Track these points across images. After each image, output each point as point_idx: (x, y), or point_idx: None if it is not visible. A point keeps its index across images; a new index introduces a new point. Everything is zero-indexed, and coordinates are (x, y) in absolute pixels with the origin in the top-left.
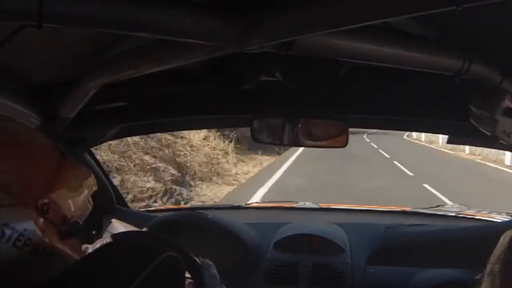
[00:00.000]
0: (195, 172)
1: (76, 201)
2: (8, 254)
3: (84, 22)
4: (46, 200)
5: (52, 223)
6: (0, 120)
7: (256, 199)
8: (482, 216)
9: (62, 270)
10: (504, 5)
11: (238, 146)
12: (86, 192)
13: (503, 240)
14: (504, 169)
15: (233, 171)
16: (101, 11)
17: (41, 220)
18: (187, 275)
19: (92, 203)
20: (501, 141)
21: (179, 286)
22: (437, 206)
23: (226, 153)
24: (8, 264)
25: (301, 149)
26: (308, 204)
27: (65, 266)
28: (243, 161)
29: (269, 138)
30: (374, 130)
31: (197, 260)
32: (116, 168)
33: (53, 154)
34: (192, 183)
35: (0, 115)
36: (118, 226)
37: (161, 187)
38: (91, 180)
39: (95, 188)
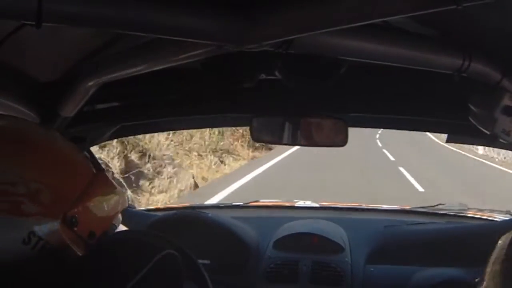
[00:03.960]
0: None
1: (105, 217)
2: (33, 261)
3: (84, 22)
4: (75, 213)
5: (79, 236)
6: (37, 129)
7: None
8: (482, 215)
9: (62, 269)
10: (503, 4)
11: None
12: (115, 210)
13: (504, 240)
14: None
15: None
16: (100, 10)
17: (68, 232)
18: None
19: (120, 219)
20: (500, 140)
21: (178, 284)
22: (437, 204)
23: None
24: (31, 270)
25: None
26: (308, 203)
27: None
28: None
29: (268, 137)
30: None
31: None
32: None
33: (87, 168)
34: None
35: (39, 125)
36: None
37: None
38: (122, 198)
39: (124, 204)
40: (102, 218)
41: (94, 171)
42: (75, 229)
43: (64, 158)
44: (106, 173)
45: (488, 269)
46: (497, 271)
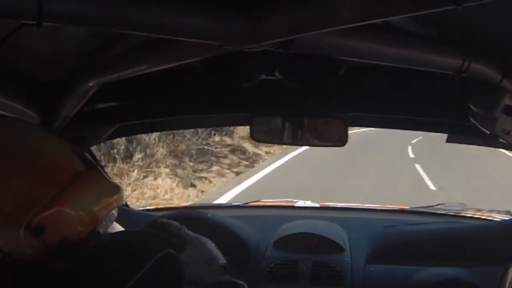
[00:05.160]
0: None
1: (86, 221)
2: None
3: (84, 21)
4: (41, 220)
5: (47, 245)
6: (3, 124)
7: None
8: (482, 215)
9: (62, 267)
10: (503, 4)
11: None
12: (105, 209)
13: None
14: None
15: None
16: (101, 10)
17: (34, 240)
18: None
19: (114, 216)
20: (500, 140)
21: (178, 283)
22: (437, 204)
23: None
24: None
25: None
26: (308, 203)
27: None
28: None
29: (268, 137)
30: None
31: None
32: None
33: (67, 168)
34: None
35: (6, 116)
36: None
37: None
38: (116, 196)
39: (120, 203)
40: (81, 222)
41: (83, 169)
42: (42, 237)
43: (33, 160)
44: (100, 170)
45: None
46: None
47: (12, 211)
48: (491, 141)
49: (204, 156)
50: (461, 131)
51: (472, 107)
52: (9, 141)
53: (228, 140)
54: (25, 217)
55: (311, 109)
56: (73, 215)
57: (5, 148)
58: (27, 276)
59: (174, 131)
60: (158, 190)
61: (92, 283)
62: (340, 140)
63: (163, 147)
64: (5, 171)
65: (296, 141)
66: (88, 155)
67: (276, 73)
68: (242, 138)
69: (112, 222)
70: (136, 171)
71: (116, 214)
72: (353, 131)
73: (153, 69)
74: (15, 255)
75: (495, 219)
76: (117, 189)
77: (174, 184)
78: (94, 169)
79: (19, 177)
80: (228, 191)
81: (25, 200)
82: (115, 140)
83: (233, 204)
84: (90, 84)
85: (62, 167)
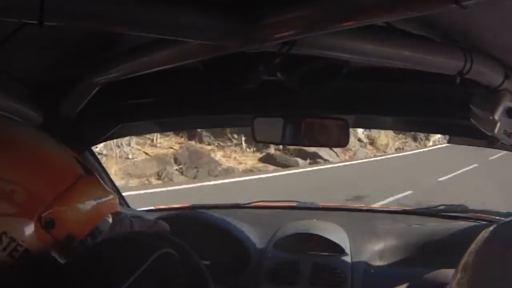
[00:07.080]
0: None
1: (87, 221)
2: (3, 263)
3: (86, 21)
4: (51, 215)
5: (55, 239)
6: (15, 127)
7: None
8: (482, 216)
9: (61, 265)
10: (505, 5)
11: None
12: (101, 214)
13: (482, 235)
14: None
15: None
16: (102, 9)
17: (44, 233)
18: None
19: (108, 223)
20: (501, 141)
21: (175, 282)
22: (438, 205)
23: None
24: (10, 279)
25: None
26: (309, 204)
27: None
28: None
29: (270, 137)
30: None
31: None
32: None
33: (70, 170)
34: None
35: (18, 121)
36: None
37: None
38: (113, 202)
39: (114, 209)
40: (83, 222)
41: (83, 173)
42: (51, 231)
43: (43, 159)
44: (97, 176)
45: (463, 261)
46: (470, 263)
47: (25, 203)
48: (492, 142)
49: None
50: (462, 133)
51: (473, 108)
52: (26, 145)
53: None
54: (38, 209)
55: (312, 110)
56: (76, 214)
57: (22, 150)
58: (33, 270)
59: None
60: None
61: (89, 282)
62: (341, 141)
63: None
64: (16, 169)
65: (297, 142)
66: (90, 156)
67: (278, 74)
68: None
69: (106, 228)
70: None
71: (110, 221)
72: None
73: (153, 70)
74: (30, 248)
75: (496, 221)
76: (111, 195)
77: None
78: (92, 174)
79: (32, 175)
80: None
81: (37, 194)
82: None
83: (234, 204)
84: (91, 84)
85: (67, 169)
